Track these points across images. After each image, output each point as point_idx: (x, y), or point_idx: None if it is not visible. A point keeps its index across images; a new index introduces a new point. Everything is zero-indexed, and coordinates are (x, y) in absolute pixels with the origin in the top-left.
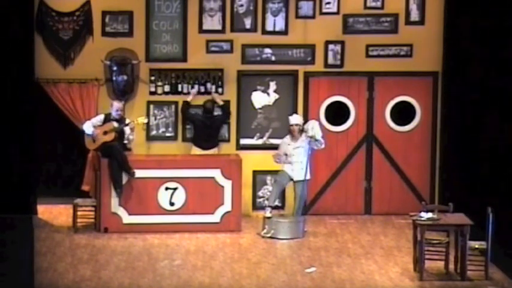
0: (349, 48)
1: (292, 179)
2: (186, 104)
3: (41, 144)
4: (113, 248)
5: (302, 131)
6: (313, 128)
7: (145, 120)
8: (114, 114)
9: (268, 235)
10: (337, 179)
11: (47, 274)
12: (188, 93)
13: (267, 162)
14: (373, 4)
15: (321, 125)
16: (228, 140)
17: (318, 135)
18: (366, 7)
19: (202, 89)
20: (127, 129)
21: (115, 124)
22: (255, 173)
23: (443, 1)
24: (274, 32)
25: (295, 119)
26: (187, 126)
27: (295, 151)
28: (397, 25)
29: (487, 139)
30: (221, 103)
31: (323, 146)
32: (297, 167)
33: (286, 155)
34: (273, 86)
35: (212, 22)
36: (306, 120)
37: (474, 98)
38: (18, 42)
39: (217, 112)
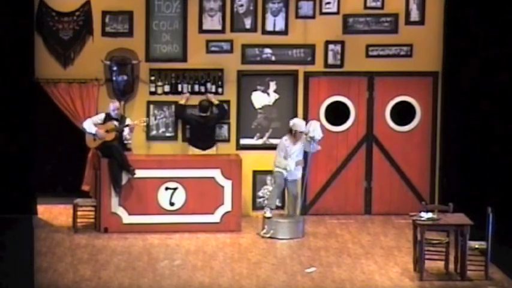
0: (349, 48)
1: (285, 179)
2: (180, 106)
3: (41, 144)
4: (113, 248)
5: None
6: (315, 129)
7: (145, 123)
8: (112, 113)
9: (268, 235)
10: (337, 179)
11: (47, 274)
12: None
13: (267, 162)
14: (373, 4)
15: (321, 125)
16: (228, 140)
17: (319, 135)
18: (366, 7)
19: (197, 90)
20: (126, 129)
21: (116, 123)
22: (255, 173)
23: (443, 1)
24: (274, 32)
25: (303, 128)
26: (187, 126)
27: (294, 152)
28: (397, 25)
29: (487, 139)
30: (216, 102)
31: (319, 148)
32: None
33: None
34: (273, 86)
35: (212, 22)
36: (305, 120)
37: (474, 98)
38: (18, 42)
39: (212, 111)
